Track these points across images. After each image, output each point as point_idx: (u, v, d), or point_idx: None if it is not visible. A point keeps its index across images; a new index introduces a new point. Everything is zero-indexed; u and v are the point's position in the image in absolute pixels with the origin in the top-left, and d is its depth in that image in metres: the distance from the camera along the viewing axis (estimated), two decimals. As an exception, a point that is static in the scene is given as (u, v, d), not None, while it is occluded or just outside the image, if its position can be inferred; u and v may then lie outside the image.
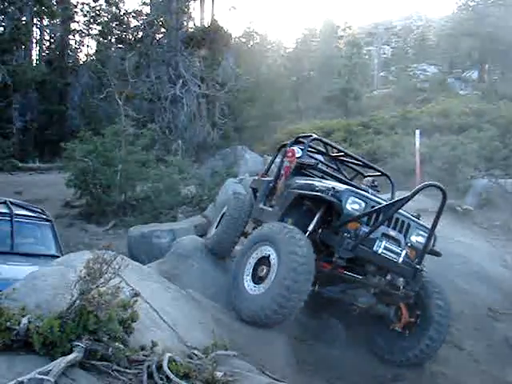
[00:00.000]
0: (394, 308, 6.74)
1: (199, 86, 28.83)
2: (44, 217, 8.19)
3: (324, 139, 8.77)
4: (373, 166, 8.68)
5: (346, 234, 6.02)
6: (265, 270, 6.01)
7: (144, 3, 31.65)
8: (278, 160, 8.78)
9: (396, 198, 6.64)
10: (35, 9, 28.25)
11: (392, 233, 6.28)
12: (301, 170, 7.56)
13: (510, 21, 33.92)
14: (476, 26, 35.22)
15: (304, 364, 6.25)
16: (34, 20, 33.55)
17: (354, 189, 6.43)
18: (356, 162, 8.65)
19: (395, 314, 6.75)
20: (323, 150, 8.80)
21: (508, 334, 7.37)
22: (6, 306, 3.94)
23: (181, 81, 28.34)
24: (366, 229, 6.07)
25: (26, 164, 28.29)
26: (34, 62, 36.29)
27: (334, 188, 6.26)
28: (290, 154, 7.92)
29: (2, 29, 27.40)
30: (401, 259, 6.14)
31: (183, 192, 18.63)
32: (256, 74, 36.12)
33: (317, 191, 6.39)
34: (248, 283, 6.19)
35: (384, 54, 59.04)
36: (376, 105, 32.69)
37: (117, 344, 3.89)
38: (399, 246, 6.25)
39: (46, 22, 37.12)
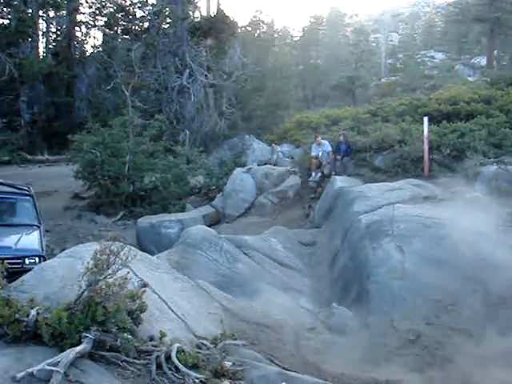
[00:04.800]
0: None
1: (206, 75, 28.73)
2: (26, 192, 9.42)
3: None
4: None
5: None
6: None
7: (150, -7, 31.55)
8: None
9: None
10: (41, 0, 28.26)
11: None
12: None
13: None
14: (484, 11, 34.84)
15: (313, 353, 6.24)
16: (40, 12, 33.54)
17: None
18: None
19: None
20: None
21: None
22: (15, 297, 3.97)
23: (187, 71, 28.26)
24: None
25: (35, 156, 28.34)
26: (41, 54, 36.22)
27: None
28: None
29: (7, 21, 27.43)
30: None
31: (191, 182, 18.65)
32: (263, 62, 35.95)
33: None
34: None
35: (391, 41, 58.62)
36: (383, 92, 32.49)
37: (125, 335, 3.91)
38: None
39: (52, 14, 37.06)
